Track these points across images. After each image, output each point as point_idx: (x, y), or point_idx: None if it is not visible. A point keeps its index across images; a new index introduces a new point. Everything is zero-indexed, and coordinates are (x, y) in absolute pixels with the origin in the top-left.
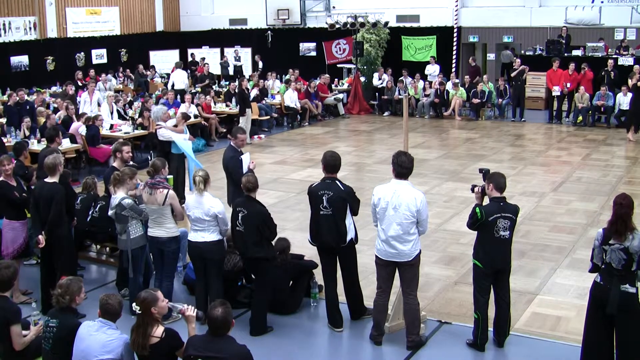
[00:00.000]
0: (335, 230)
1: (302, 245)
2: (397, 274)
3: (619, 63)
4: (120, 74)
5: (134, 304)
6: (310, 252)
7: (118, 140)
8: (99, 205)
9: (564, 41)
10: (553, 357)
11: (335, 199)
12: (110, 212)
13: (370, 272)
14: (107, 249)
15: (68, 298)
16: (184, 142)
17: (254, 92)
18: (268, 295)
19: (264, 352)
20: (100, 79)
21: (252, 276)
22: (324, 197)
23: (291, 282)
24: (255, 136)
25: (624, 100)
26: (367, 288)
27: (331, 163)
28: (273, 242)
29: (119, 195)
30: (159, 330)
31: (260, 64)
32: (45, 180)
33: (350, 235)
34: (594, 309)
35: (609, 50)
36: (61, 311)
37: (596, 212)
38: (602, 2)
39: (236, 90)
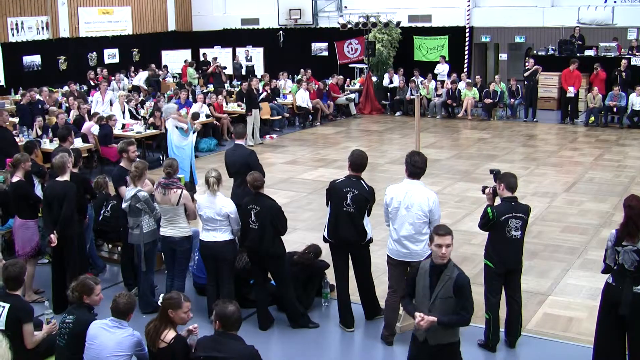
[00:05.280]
0: (354, 228)
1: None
2: None
3: (632, 63)
4: (133, 74)
5: (161, 296)
6: (322, 252)
7: (123, 140)
8: (110, 205)
9: (577, 41)
10: (564, 358)
11: (359, 198)
12: (124, 205)
13: (382, 272)
14: (119, 248)
15: (77, 294)
16: (181, 138)
17: (263, 94)
18: (291, 287)
19: (275, 351)
20: (113, 78)
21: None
22: (348, 195)
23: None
24: (267, 136)
25: (636, 100)
26: (379, 288)
27: (357, 162)
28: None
29: (136, 188)
30: (169, 335)
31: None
32: (57, 179)
33: (369, 234)
34: (606, 310)
35: (622, 50)
36: (78, 308)
37: (608, 212)
38: (615, 2)
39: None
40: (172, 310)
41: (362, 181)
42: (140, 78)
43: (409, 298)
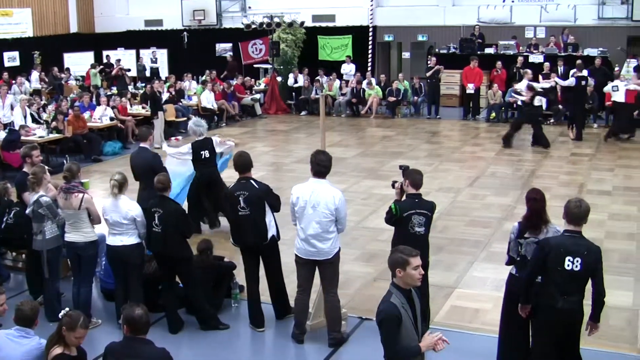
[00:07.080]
0: (256, 229)
1: (223, 247)
2: (317, 272)
3: (530, 60)
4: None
5: (63, 311)
6: (231, 253)
7: (26, 145)
8: (13, 212)
9: (478, 39)
10: (472, 348)
11: (251, 198)
12: (27, 210)
13: (291, 271)
14: (24, 255)
15: None
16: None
17: (166, 95)
18: (200, 289)
19: (186, 354)
20: (13, 82)
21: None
22: (240, 198)
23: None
24: (172, 138)
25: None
26: (288, 287)
27: (239, 163)
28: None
29: (38, 193)
30: (54, 352)
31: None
32: None
33: (271, 232)
34: (510, 300)
35: (520, 48)
36: None
37: (510, 205)
38: (512, 1)
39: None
40: (65, 329)
41: (251, 181)
42: (33, 80)
43: (399, 344)
